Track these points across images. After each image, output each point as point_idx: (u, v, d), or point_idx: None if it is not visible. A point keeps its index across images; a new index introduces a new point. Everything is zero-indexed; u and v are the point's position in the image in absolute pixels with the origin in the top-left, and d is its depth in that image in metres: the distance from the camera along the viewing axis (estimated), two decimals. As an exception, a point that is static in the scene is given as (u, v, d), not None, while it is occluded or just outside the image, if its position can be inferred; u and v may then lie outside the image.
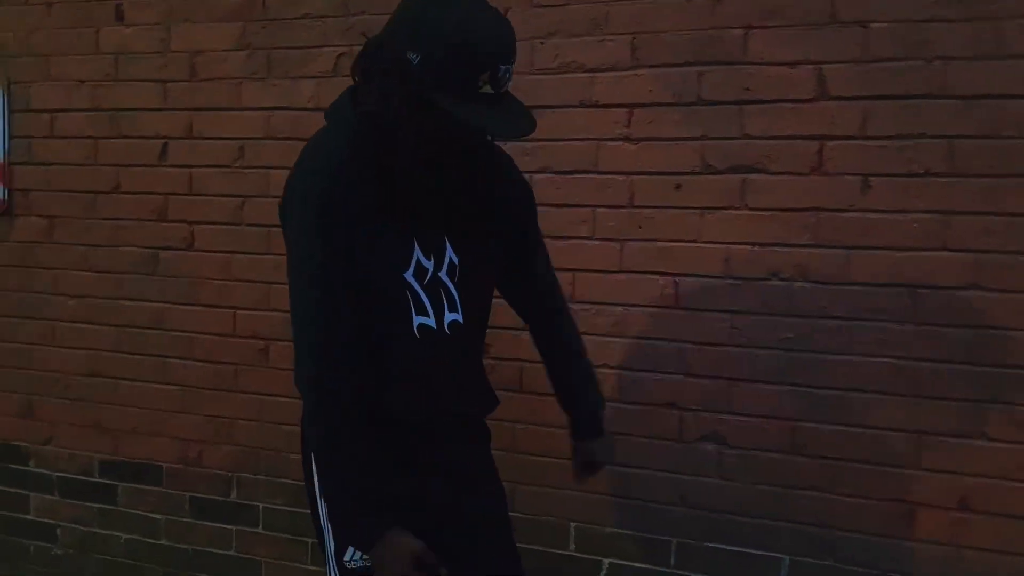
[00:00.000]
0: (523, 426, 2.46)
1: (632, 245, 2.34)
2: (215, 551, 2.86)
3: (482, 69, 1.43)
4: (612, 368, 2.36)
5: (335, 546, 1.67)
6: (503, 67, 1.45)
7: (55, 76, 2.97)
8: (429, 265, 1.58)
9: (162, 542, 2.93)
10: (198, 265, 2.83)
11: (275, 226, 2.68)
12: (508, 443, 2.45)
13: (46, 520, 3.09)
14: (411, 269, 1.56)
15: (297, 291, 1.56)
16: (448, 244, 1.60)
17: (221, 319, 2.81)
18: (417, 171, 1.51)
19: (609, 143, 2.34)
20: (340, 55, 2.61)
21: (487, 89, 1.45)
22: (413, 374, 1.60)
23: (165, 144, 2.85)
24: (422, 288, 1.58)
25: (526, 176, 2.22)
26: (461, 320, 1.63)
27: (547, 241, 2.16)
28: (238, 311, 2.80)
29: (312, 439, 1.63)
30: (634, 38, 2.30)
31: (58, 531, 3.08)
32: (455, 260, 1.61)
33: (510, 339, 2.35)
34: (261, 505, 2.79)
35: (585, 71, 2.35)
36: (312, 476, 1.68)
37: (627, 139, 2.32)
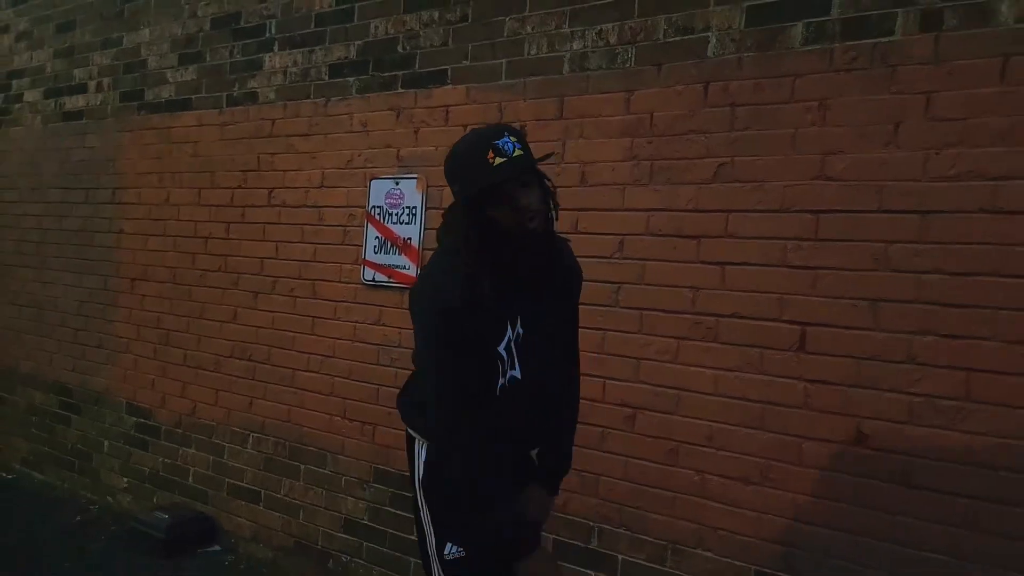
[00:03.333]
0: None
1: (1043, 349, 1.91)
2: (575, 592, 2.66)
3: (484, 149, 1.52)
4: None
5: (436, 543, 1.78)
6: (500, 140, 1.53)
7: (465, 181, 3.04)
8: (511, 338, 1.69)
9: (527, 576, 2.77)
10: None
11: (648, 309, 2.57)
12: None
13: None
14: (503, 343, 1.68)
15: (437, 376, 1.67)
16: (519, 321, 1.70)
17: (591, 387, 2.66)
18: (507, 269, 1.62)
19: (1019, 248, 1.95)
20: (721, 164, 2.44)
21: (499, 160, 1.52)
22: (499, 418, 1.69)
23: (553, 237, 2.79)
24: (505, 352, 1.69)
25: (905, 275, 2.07)
26: (519, 376, 1.73)
27: (947, 342, 1.85)
28: (608, 381, 2.64)
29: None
30: (1048, 147, 1.93)
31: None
32: (520, 331, 1.71)
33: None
34: (620, 557, 2.55)
35: (988, 179, 2.00)
36: (415, 489, 1.81)
37: (1039, 243, 1.93)
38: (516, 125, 2.89)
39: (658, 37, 2.58)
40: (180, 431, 3.96)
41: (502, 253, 1.59)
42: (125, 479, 4.18)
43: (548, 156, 1.64)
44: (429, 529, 1.80)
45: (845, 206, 2.20)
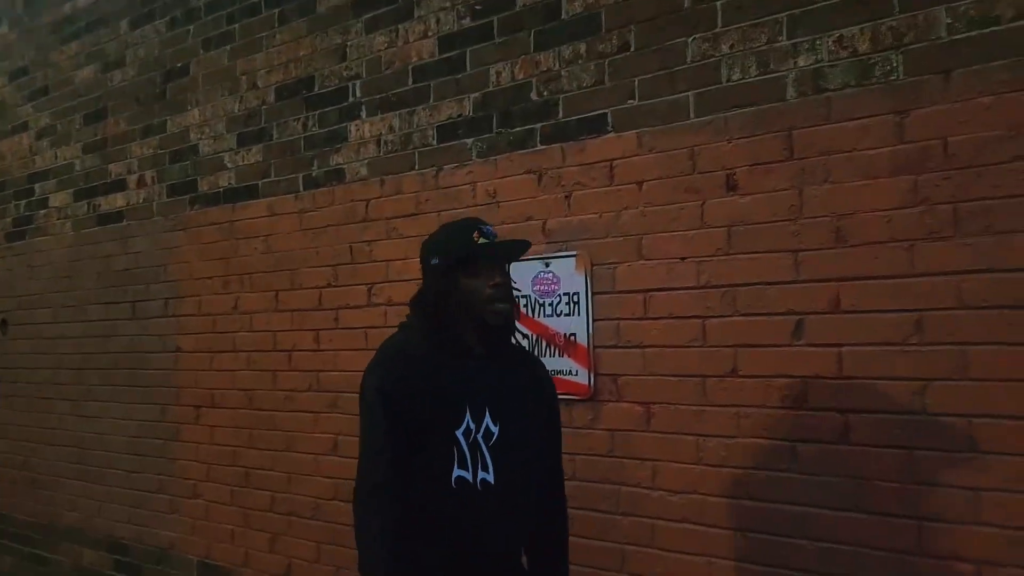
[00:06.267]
0: None
1: None
2: None
3: (471, 230, 1.63)
4: None
5: None
6: (486, 227, 1.65)
7: (647, 255, 2.30)
8: (473, 427, 1.60)
9: None
10: (862, 461, 1.93)
11: (981, 416, 1.79)
12: None
13: None
14: (462, 428, 1.58)
15: (364, 447, 1.61)
16: (488, 414, 1.61)
17: (901, 529, 1.86)
18: (461, 342, 1.62)
19: None
20: (1080, 200, 1.69)
21: (483, 240, 1.62)
22: (446, 522, 1.56)
23: (800, 321, 2.03)
24: (467, 446, 1.58)
25: None
26: (491, 480, 1.58)
27: None
28: (926, 524, 1.83)
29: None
30: None
31: None
32: (492, 428, 1.61)
33: None
34: None
35: None
36: None
37: None
38: (721, 173, 2.17)
39: (939, 35, 1.87)
40: (272, 596, 3.14)
41: (462, 326, 1.61)
42: (204, 658, 3.34)
43: (526, 246, 1.71)
44: None
45: None
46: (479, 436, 1.59)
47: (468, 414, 1.59)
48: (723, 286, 2.15)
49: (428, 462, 1.56)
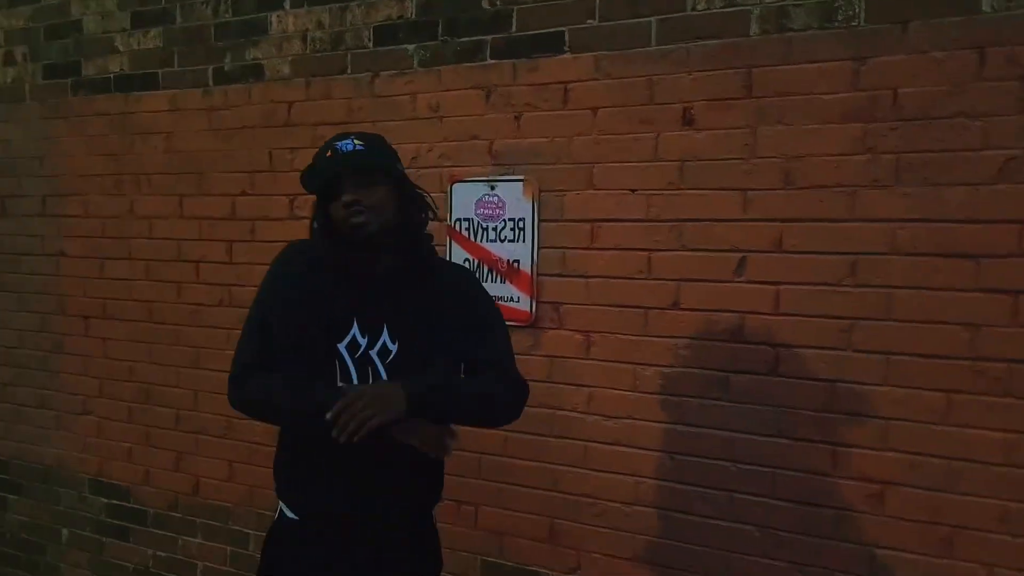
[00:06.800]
0: None
1: None
2: None
3: (325, 150, 1.60)
4: None
5: None
6: (342, 142, 1.58)
7: (598, 184, 2.29)
8: (363, 342, 1.59)
9: None
10: (787, 391, 2.08)
11: (900, 354, 1.96)
12: None
13: (574, 655, 2.37)
14: (345, 341, 1.59)
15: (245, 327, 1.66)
16: (386, 331, 1.60)
17: (819, 456, 2.04)
18: (344, 259, 1.60)
19: None
20: (1009, 159, 1.83)
21: (331, 156, 1.57)
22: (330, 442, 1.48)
23: (743, 258, 2.12)
24: (352, 361, 1.58)
25: None
26: None
27: None
28: (839, 448, 2.02)
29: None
30: None
31: (588, 668, 2.36)
32: (390, 346, 1.60)
33: None
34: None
35: None
36: None
37: None
38: (678, 107, 2.18)
39: (903, -15, 1.92)
40: (178, 515, 3.04)
41: (337, 250, 1.59)
42: (99, 577, 3.22)
43: (367, 157, 1.58)
44: None
45: None
46: (373, 352, 1.59)
47: (356, 328, 1.58)
48: (671, 220, 2.19)
49: (313, 372, 1.56)
